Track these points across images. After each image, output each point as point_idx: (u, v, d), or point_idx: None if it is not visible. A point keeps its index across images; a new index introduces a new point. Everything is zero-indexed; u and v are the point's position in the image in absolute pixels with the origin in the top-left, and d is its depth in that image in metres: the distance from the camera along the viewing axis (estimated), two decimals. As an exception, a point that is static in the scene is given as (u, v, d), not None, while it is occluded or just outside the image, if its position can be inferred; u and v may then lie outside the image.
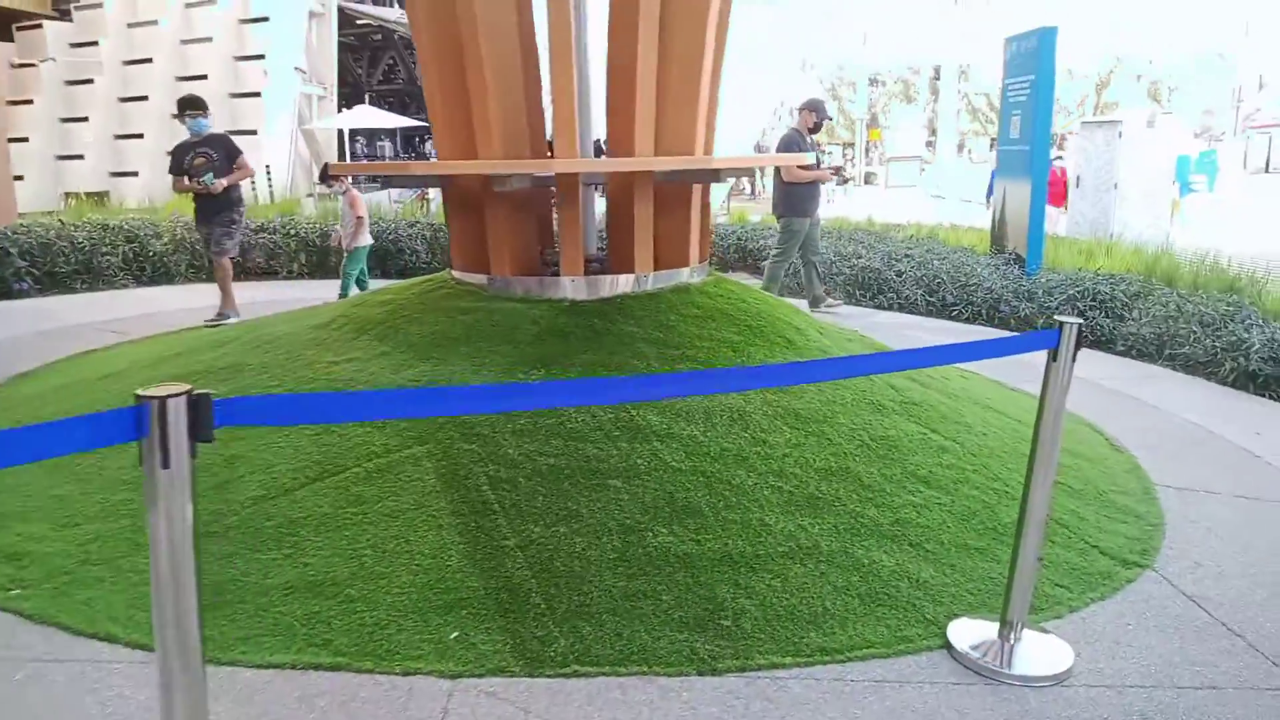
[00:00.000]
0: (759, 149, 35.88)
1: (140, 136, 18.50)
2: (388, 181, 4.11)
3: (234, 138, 6.97)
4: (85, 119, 18.79)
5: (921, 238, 9.51)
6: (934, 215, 13.92)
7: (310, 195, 15.11)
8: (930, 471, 3.30)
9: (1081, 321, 2.41)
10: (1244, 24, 38.13)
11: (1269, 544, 3.24)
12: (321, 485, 2.91)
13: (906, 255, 8.32)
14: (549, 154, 4.03)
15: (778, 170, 7.43)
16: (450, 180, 4.10)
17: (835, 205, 25.49)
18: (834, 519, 2.93)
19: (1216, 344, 5.67)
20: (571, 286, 3.95)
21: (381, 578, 2.53)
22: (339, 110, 21.21)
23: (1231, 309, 6.04)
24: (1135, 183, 9.80)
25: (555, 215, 4.19)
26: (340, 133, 21.81)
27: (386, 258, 8.99)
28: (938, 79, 40.00)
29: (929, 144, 43.52)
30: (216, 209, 6.61)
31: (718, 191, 23.33)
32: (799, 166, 7.01)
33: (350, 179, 7.06)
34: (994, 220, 8.58)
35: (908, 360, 2.60)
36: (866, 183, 39.73)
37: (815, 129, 7.55)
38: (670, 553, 2.67)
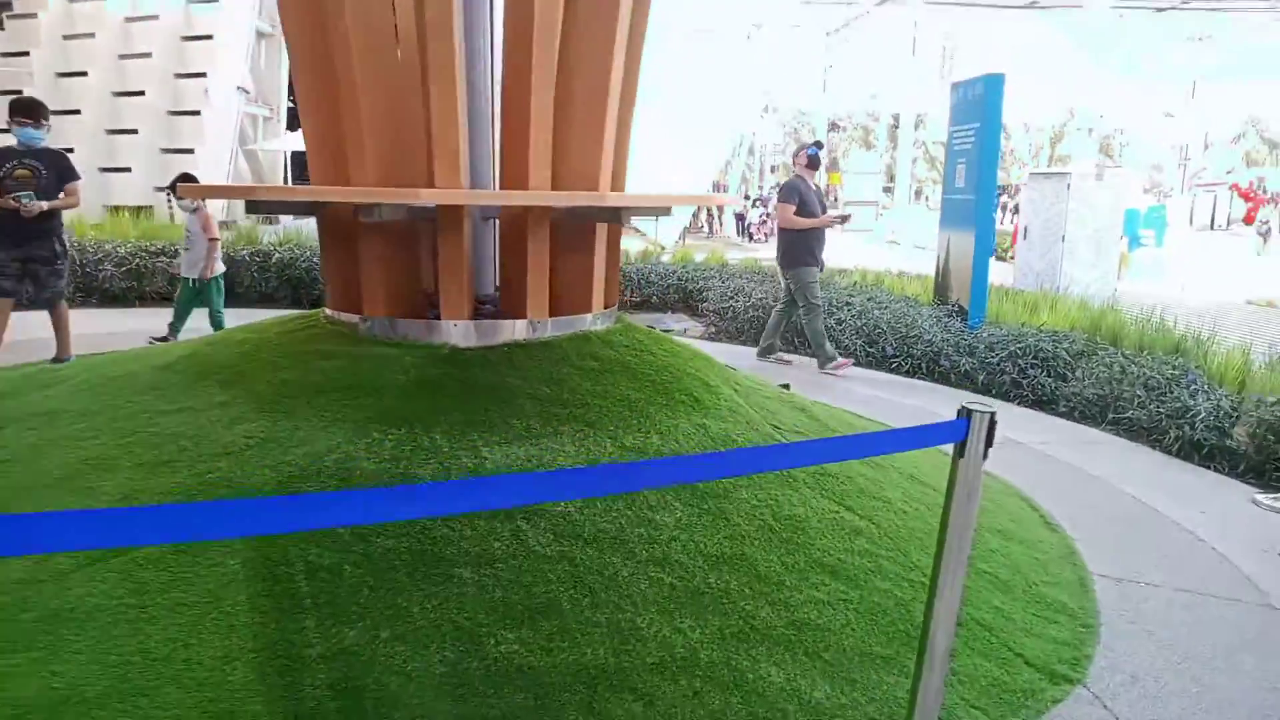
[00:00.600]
0: (718, 188, 35.93)
1: (71, 151, 17.73)
2: (254, 207, 3.66)
3: (169, 154, 6.42)
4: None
5: (865, 285, 9.23)
6: (887, 261, 13.76)
7: (237, 220, 14.49)
8: (839, 559, 2.89)
9: (994, 411, 2.02)
10: (1190, 86, 39.28)
11: (1210, 651, 2.87)
12: (104, 567, 2.41)
13: (847, 303, 8.01)
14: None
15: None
16: (322, 208, 3.65)
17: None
18: (720, 620, 2.49)
19: (1161, 410, 5.38)
20: (455, 332, 3.51)
21: (143, 695, 2.03)
22: (287, 131, 20.64)
23: (1177, 373, 5.78)
24: (1083, 235, 9.65)
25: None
26: (286, 155, 21.21)
27: (299, 286, 8.48)
28: (896, 126, 40.52)
29: (886, 190, 43.98)
30: (27, 236, 5.49)
31: (671, 227, 23.07)
32: (795, 214, 6.92)
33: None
34: (938, 270, 8.34)
35: (792, 457, 2.17)
36: (825, 226, 40.03)
37: (812, 166, 7.20)
38: (513, 665, 2.21)
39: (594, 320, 3.83)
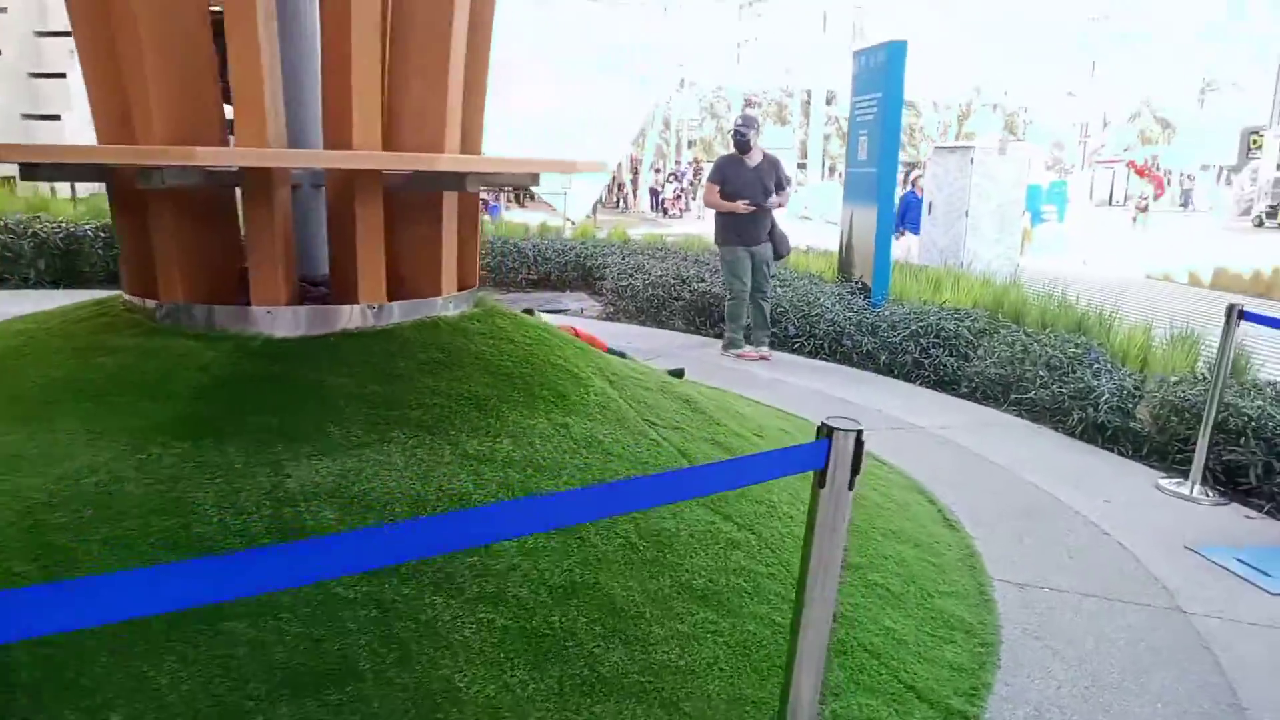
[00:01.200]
0: (633, 162, 35.32)
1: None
2: (30, 172, 3.04)
3: (31, 121, 5.57)
4: None
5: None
6: (799, 237, 13.50)
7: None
8: (710, 581, 2.50)
9: (861, 428, 1.64)
10: (1090, 64, 40.37)
11: (1120, 671, 2.59)
12: None
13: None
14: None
15: None
16: (111, 173, 3.06)
17: (698, 226, 25.16)
18: (560, 669, 2.08)
19: (1064, 390, 5.18)
20: (270, 320, 2.98)
21: None
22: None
23: (1079, 351, 5.60)
24: (986, 210, 9.54)
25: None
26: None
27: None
28: (809, 102, 40.60)
29: (800, 166, 44.18)
30: None
31: (582, 197, 22.47)
32: (720, 196, 6.70)
33: None
34: (842, 246, 8.07)
35: (598, 505, 1.71)
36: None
37: (741, 147, 6.76)
38: (283, 750, 1.75)
39: (445, 304, 3.34)
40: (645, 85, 28.47)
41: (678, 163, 48.35)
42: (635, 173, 33.85)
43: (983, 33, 30.35)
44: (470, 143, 3.51)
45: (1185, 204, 39.10)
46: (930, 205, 10.45)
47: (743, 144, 6.68)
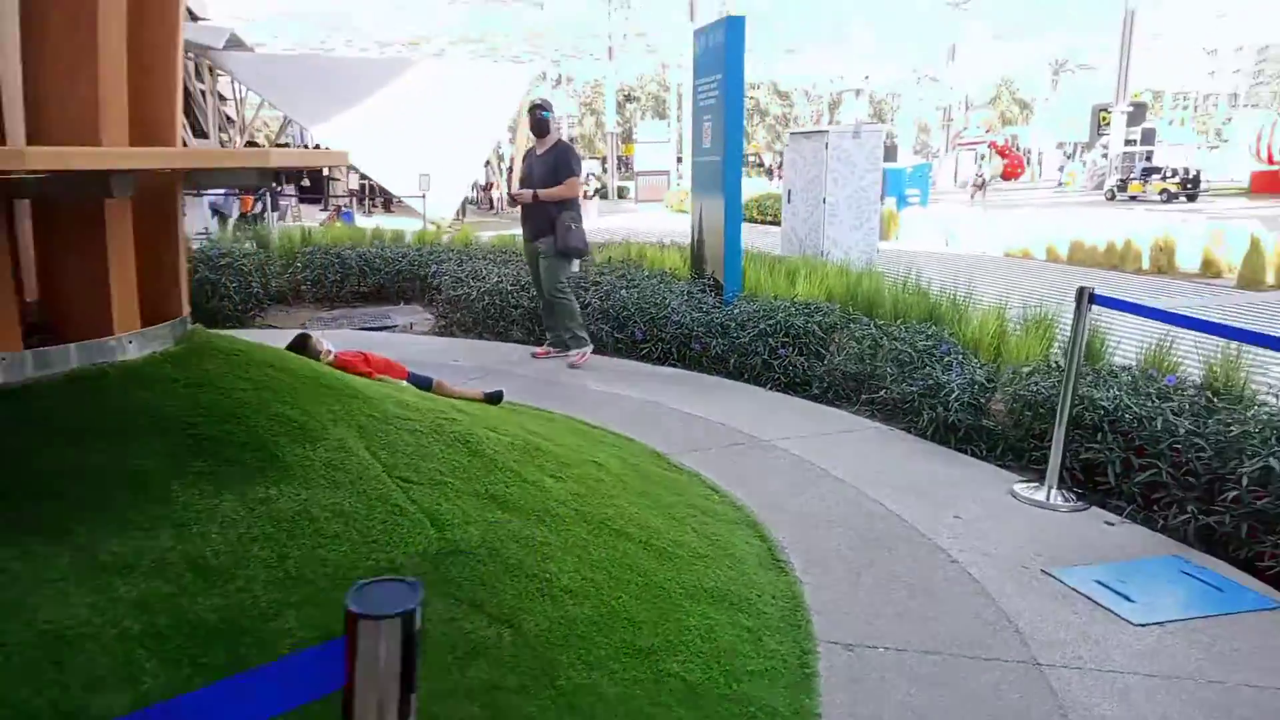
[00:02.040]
0: (510, 161, 34.28)
1: None
2: None
3: None
4: None
5: (621, 261, 8.35)
6: (672, 231, 13.02)
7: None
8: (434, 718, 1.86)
9: (412, 610, 1.01)
10: (949, 49, 41.64)
11: (964, 762, 2.10)
12: None
13: (595, 283, 7.08)
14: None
15: None
16: None
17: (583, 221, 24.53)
18: None
19: (913, 388, 4.77)
20: None
21: None
22: None
23: (930, 344, 5.22)
24: (843, 196, 9.23)
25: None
26: None
27: None
28: (684, 95, 40.41)
29: (679, 159, 44.06)
30: None
31: (446, 199, 21.43)
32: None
33: None
34: (693, 241, 7.56)
35: None
36: (620, 197, 39.45)
37: (536, 129, 6.26)
38: None
39: (121, 345, 2.60)
40: (515, 83, 27.64)
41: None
42: (507, 170, 32.81)
43: (850, 19, 30.75)
44: (160, 133, 2.77)
45: (1059, 184, 40.87)
46: (789, 193, 10.10)
47: (539, 126, 6.20)
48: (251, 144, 33.62)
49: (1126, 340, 5.67)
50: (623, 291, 6.69)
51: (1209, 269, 11.56)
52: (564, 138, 6.47)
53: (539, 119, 6.21)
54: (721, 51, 6.50)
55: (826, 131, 9.18)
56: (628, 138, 50.42)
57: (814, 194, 9.42)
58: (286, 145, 35.06)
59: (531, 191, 6.17)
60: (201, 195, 18.92)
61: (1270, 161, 33.12)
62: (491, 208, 32.51)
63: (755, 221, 23.12)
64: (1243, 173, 35.29)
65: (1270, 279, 10.50)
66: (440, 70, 26.53)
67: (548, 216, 6.13)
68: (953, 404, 4.47)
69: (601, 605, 2.40)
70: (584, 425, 4.52)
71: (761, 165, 48.98)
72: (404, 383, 4.34)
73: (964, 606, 2.85)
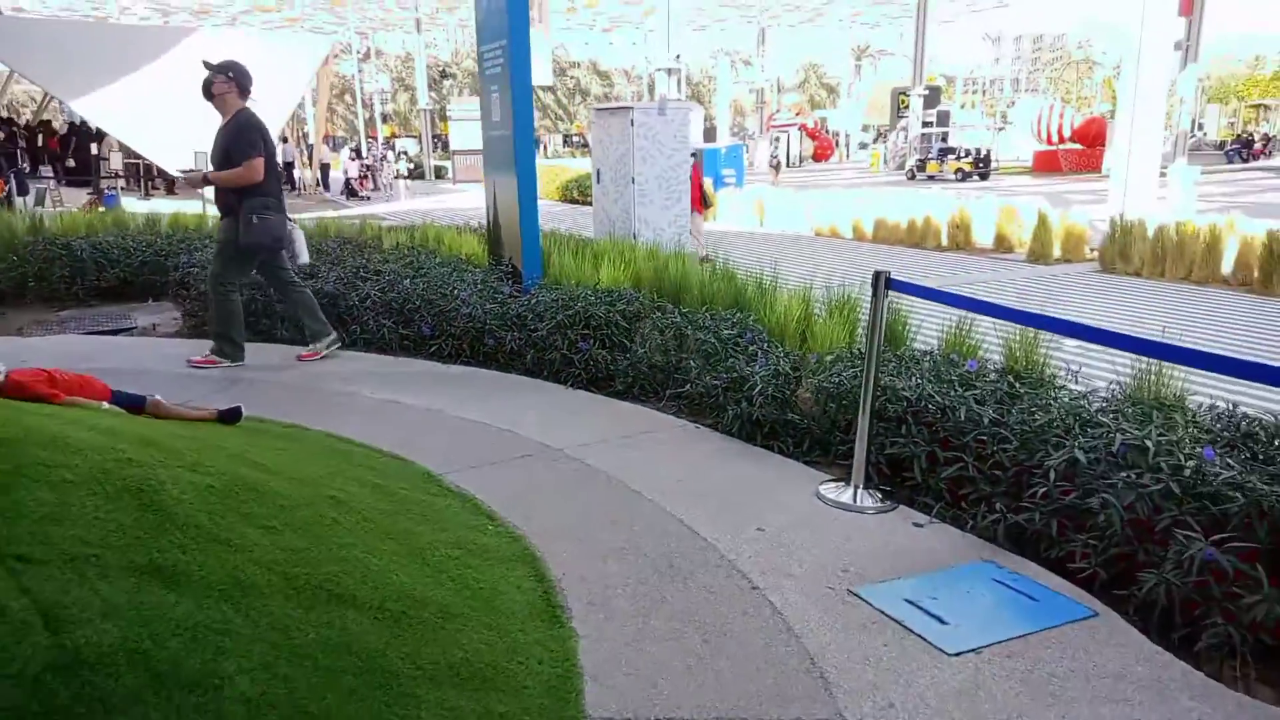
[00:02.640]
0: (312, 139, 31.93)
1: None
2: None
3: None
4: None
5: (411, 247, 7.61)
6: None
7: None
8: None
9: None
10: (759, 33, 42.56)
11: None
12: None
13: (377, 273, 6.33)
14: None
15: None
16: None
17: (377, 204, 23.12)
18: None
19: (718, 382, 4.40)
20: None
21: None
22: None
23: (736, 331, 4.88)
24: (652, 175, 8.87)
25: None
26: None
27: None
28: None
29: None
30: None
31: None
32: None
33: None
34: (489, 224, 6.95)
35: None
36: (438, 177, 37.85)
37: (207, 97, 5.33)
38: None
39: None
40: (311, 49, 25.68)
41: (373, 138, 45.16)
42: (309, 148, 30.65)
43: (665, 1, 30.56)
44: None
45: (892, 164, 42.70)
46: (598, 173, 9.64)
47: (205, 92, 5.33)
48: (4, 121, 29.75)
49: (928, 321, 5.56)
50: (407, 282, 5.99)
51: (1001, 244, 12.09)
52: (252, 107, 5.52)
53: (204, 84, 5.32)
54: (504, 15, 5.90)
55: (632, 108, 8.76)
56: (445, 115, 48.56)
57: (623, 173, 9.00)
58: (49, 121, 31.31)
59: (202, 173, 5.33)
60: None
61: (1049, 142, 35.93)
62: (294, 188, 30.28)
63: (577, 202, 22.65)
64: (1026, 153, 38.16)
65: (1056, 252, 11.05)
66: (223, 39, 24.25)
67: (226, 200, 5.31)
68: (757, 398, 4.13)
69: (293, 717, 1.81)
70: (342, 445, 3.85)
71: (586, 146, 48.57)
72: (105, 405, 3.53)
73: (764, 649, 2.45)
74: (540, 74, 32.74)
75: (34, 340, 5.81)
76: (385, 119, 61.30)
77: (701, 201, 11.19)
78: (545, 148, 63.92)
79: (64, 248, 6.78)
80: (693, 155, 10.76)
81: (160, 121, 18.95)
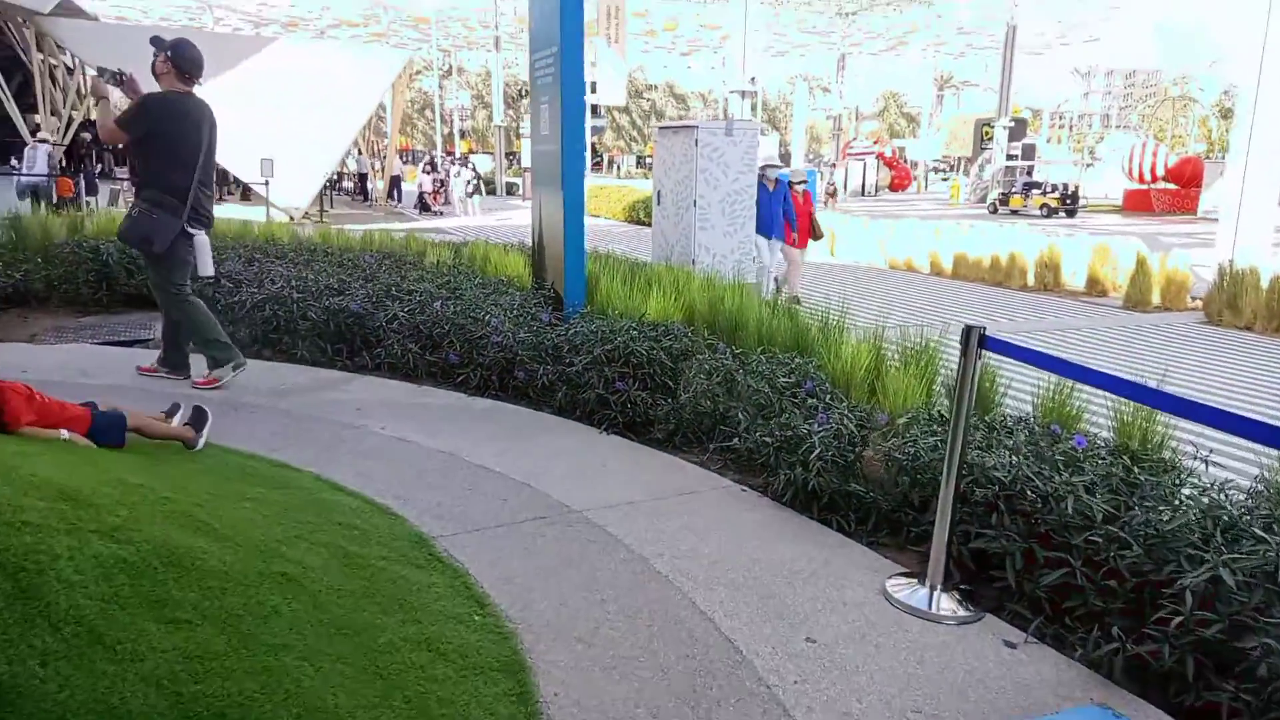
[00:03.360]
0: (389, 152, 32.24)
1: None
2: None
3: None
4: None
5: (453, 265, 7.17)
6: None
7: None
8: None
9: None
10: (840, 59, 41.85)
11: None
12: None
13: (410, 292, 5.88)
14: None
15: None
16: None
17: (446, 219, 22.89)
18: None
19: (769, 439, 3.79)
20: None
21: None
22: None
23: (794, 379, 4.26)
24: (716, 199, 8.30)
25: None
26: None
27: None
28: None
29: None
30: None
31: (295, 187, 19.51)
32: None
33: None
34: (534, 244, 6.46)
35: None
36: (509, 193, 37.86)
37: (175, 76, 4.76)
38: None
39: None
40: (388, 62, 25.85)
41: (451, 152, 45.49)
42: (382, 159, 30.87)
43: (742, 25, 30.12)
44: None
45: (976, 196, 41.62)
46: (659, 194, 9.12)
47: (151, 70, 4.77)
48: (93, 123, 30.73)
49: (1020, 378, 4.86)
50: (438, 304, 5.51)
51: (1094, 287, 11.19)
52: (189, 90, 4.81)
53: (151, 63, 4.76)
54: (556, 18, 5.41)
55: (696, 126, 8.23)
56: (519, 133, 48.78)
57: (685, 195, 8.46)
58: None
59: (105, 81, 4.74)
60: (14, 175, 16.71)
61: (1141, 180, 34.35)
62: (366, 199, 30.52)
63: (642, 224, 22.26)
64: (1115, 190, 36.57)
65: (1156, 299, 10.14)
66: (302, 50, 24.55)
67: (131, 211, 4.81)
68: (814, 463, 3.50)
69: None
70: (329, 493, 3.35)
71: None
72: (64, 434, 3.11)
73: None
74: (613, 94, 32.55)
75: (41, 349, 5.50)
76: (464, 135, 62.14)
77: (811, 232, 10.22)
78: (618, 168, 63.99)
79: (92, 251, 6.51)
80: (801, 181, 10.03)
81: (236, 127, 19.13)
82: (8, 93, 25.14)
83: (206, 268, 4.87)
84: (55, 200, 15.66)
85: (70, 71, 29.61)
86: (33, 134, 22.94)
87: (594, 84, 36.04)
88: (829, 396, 4.13)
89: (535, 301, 5.91)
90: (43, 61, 25.64)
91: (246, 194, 24.10)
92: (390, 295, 5.79)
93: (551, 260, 6.03)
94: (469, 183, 26.31)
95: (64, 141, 24.27)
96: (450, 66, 62.58)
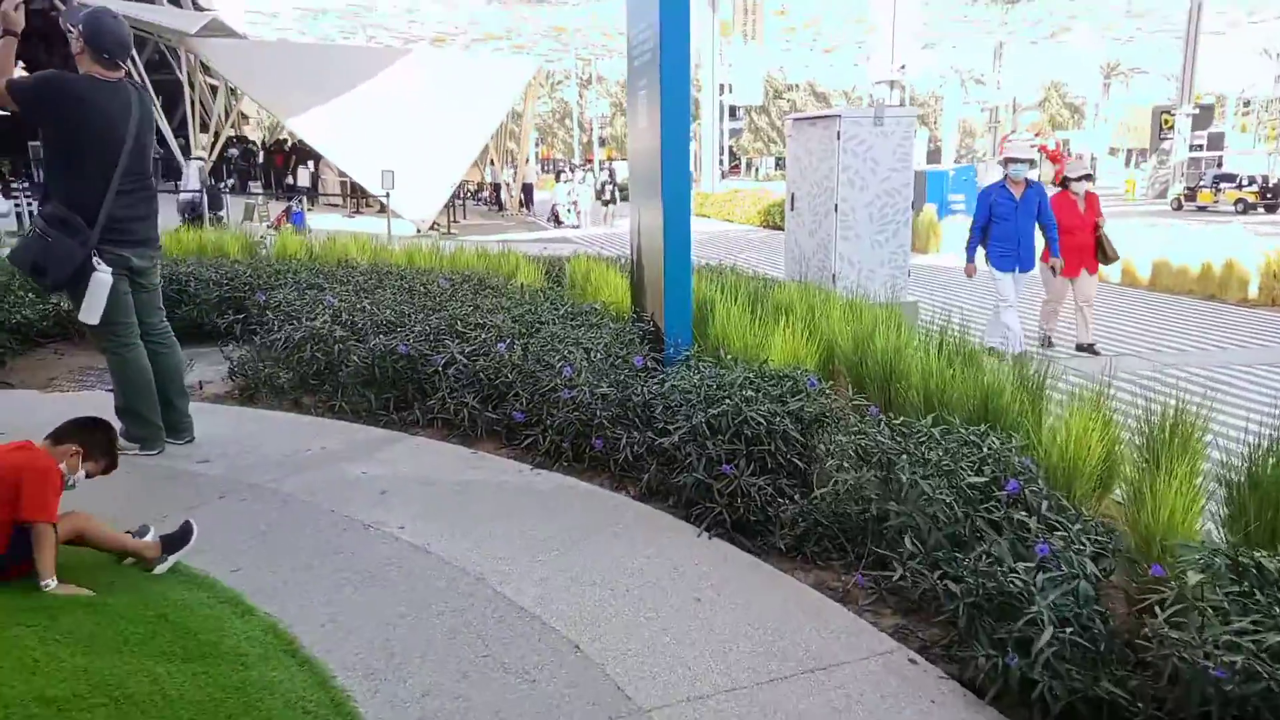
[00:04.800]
0: (533, 158, 31.95)
1: None
2: None
3: None
4: None
5: (550, 286, 6.01)
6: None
7: None
8: None
9: None
10: (996, 47, 38.80)
11: None
12: None
13: (479, 326, 4.75)
14: None
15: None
16: None
17: (588, 228, 21.96)
18: None
19: (956, 589, 2.38)
20: None
21: None
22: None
23: (989, 475, 2.82)
24: (862, 202, 6.83)
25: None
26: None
27: None
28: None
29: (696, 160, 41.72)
30: None
31: (420, 198, 18.99)
32: None
33: None
34: (632, 263, 5.23)
35: None
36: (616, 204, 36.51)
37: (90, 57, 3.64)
38: None
39: None
40: (518, 70, 25.36)
41: (589, 160, 45.03)
42: (515, 168, 30.46)
43: (887, 15, 28.05)
44: None
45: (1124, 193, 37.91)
46: (792, 198, 7.71)
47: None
48: (240, 139, 31.86)
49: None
50: (502, 346, 4.34)
51: (1344, 302, 8.96)
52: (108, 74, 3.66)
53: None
54: (655, -8, 4.14)
55: (838, 116, 6.78)
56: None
57: (823, 198, 7.03)
58: (283, 141, 33.21)
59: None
60: (180, 193, 16.98)
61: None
62: (501, 208, 30.14)
63: (778, 229, 20.73)
64: (1322, 182, 31.99)
65: None
66: (433, 61, 24.37)
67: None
68: (1044, 651, 2.08)
69: None
70: (276, 665, 2.19)
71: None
72: None
73: None
74: (750, 94, 31.15)
75: (51, 396, 4.70)
76: (603, 142, 61.98)
77: (1099, 254, 7.45)
78: (756, 170, 62.24)
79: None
80: (1086, 175, 7.55)
81: (364, 140, 18.99)
82: (161, 114, 26.19)
83: (90, 315, 3.64)
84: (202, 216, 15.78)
85: (214, 90, 30.75)
86: (183, 152, 23.71)
87: (729, 85, 34.57)
88: (1045, 505, 2.68)
89: (630, 337, 4.67)
90: (189, 78, 26.56)
91: (383, 207, 24.11)
92: (453, 332, 4.68)
93: (650, 285, 4.78)
94: (606, 187, 25.38)
95: (212, 158, 24.99)
96: (590, 75, 62.64)
